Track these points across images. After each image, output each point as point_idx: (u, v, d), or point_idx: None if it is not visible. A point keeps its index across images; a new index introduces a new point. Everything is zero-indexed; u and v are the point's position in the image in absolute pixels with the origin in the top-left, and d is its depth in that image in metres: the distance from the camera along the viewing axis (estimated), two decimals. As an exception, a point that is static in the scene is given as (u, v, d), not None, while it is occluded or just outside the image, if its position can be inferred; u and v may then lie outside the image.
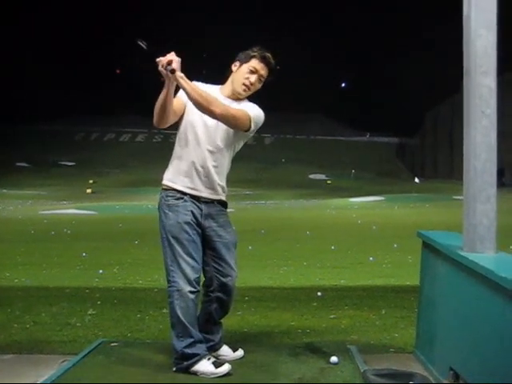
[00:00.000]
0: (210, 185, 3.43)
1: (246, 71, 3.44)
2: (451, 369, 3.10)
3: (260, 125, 3.48)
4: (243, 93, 3.46)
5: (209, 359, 3.33)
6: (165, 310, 5.25)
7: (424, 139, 65.62)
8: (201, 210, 3.41)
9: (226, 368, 3.30)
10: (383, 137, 72.44)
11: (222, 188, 3.50)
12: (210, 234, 3.45)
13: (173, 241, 3.35)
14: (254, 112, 3.42)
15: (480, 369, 2.79)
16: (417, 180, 49.61)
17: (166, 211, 3.39)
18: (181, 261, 3.33)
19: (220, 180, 3.47)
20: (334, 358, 3.52)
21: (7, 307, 5.42)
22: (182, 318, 3.30)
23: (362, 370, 3.35)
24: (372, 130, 71.78)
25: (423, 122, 65.59)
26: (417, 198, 36.35)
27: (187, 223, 3.35)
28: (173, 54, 3.17)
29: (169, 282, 3.38)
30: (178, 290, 3.31)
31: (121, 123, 75.50)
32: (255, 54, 3.46)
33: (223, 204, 3.54)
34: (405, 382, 3.08)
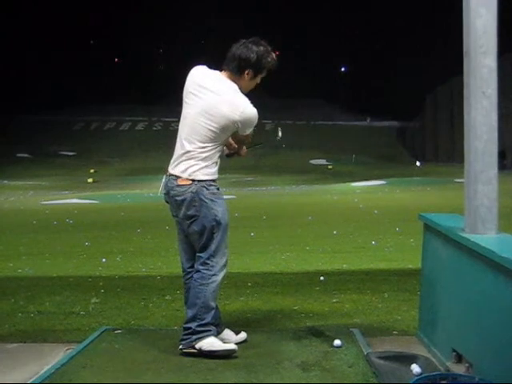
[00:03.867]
0: None
1: (258, 81, 3.62)
2: (454, 350, 3.12)
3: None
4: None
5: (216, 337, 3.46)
6: (168, 297, 5.28)
7: (424, 122, 65.32)
8: None
9: (233, 346, 3.43)
10: (384, 121, 72.12)
11: None
12: None
13: (226, 227, 3.54)
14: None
15: (483, 349, 2.80)
16: (418, 163, 49.49)
17: (214, 199, 3.51)
18: (223, 246, 3.53)
19: None
20: (337, 342, 3.55)
21: (11, 297, 5.46)
22: (211, 303, 3.46)
23: (365, 353, 3.37)
24: (372, 114, 71.42)
25: (423, 105, 65.27)
26: (418, 181, 36.25)
27: (227, 210, 3.60)
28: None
29: (206, 264, 3.48)
30: (214, 275, 3.48)
31: (121, 112, 75.19)
32: (270, 64, 3.58)
33: None
34: (408, 364, 3.10)
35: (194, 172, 3.50)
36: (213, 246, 3.48)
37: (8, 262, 8.69)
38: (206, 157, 3.50)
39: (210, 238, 3.48)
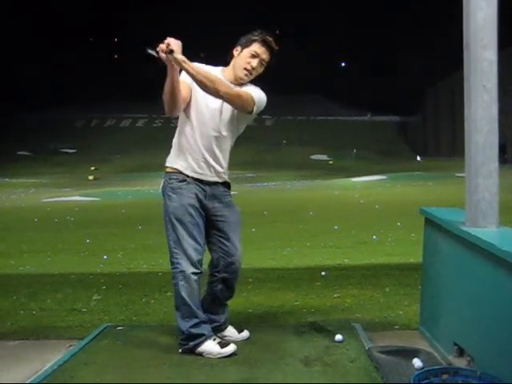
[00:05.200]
0: (215, 168, 3.47)
1: (248, 56, 3.42)
2: (455, 344, 3.12)
3: (262, 107, 3.48)
4: (245, 77, 3.45)
5: (214, 340, 3.38)
6: (169, 294, 5.28)
7: (425, 117, 65.25)
8: (205, 191, 3.45)
9: (231, 348, 3.33)
10: (384, 116, 72.04)
11: (226, 171, 3.56)
12: (215, 214, 3.49)
13: (176, 223, 3.38)
14: (257, 94, 3.43)
15: (484, 343, 2.80)
16: (419, 158, 49.52)
17: (170, 194, 3.42)
18: (184, 243, 3.36)
19: (224, 163, 3.52)
20: (338, 336, 3.54)
21: (13, 294, 5.46)
22: (187, 299, 3.35)
23: (366, 348, 3.37)
24: (373, 109, 71.35)
25: (424, 100, 65.16)
26: (419, 176, 36.27)
27: (191, 205, 3.39)
28: (171, 39, 3.12)
29: (172, 263, 3.41)
30: (181, 271, 3.36)
31: (121, 109, 75.20)
32: (256, 38, 3.42)
33: (227, 185, 3.59)
34: (410, 358, 3.10)
35: (167, 157, 3.54)
36: (170, 243, 3.42)
37: (10, 260, 8.71)
38: (175, 141, 3.51)
39: (167, 235, 3.45)
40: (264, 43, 3.41)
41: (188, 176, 3.42)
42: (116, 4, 76.32)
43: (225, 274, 3.55)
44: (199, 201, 3.43)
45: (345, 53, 79.69)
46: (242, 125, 3.55)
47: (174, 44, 3.09)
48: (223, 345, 3.35)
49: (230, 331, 3.66)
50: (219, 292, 3.58)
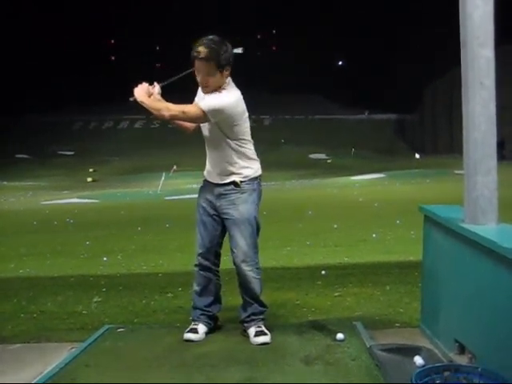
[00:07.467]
0: (218, 172, 3.71)
1: (196, 74, 3.62)
2: (457, 341, 3.12)
3: (221, 113, 3.54)
4: (207, 91, 3.61)
5: (195, 324, 3.74)
6: (170, 295, 5.30)
7: (423, 115, 65.16)
8: (214, 191, 3.73)
9: (189, 336, 3.64)
10: (382, 114, 71.95)
11: (232, 172, 3.69)
12: (222, 211, 3.73)
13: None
14: (209, 103, 3.52)
15: (485, 340, 2.80)
16: (417, 156, 49.45)
17: None
18: (196, 236, 3.81)
19: (229, 165, 3.69)
20: (339, 335, 3.55)
21: (13, 298, 5.46)
22: (195, 286, 3.82)
23: (368, 346, 3.38)
24: (371, 107, 71.24)
25: (422, 98, 65.12)
26: (418, 173, 36.16)
27: (199, 205, 3.80)
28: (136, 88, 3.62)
29: None
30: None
31: (119, 111, 75.01)
32: (191, 57, 3.58)
33: (235, 184, 3.71)
34: (411, 356, 3.10)
35: None
36: None
37: (9, 263, 8.69)
38: None
39: None
40: (196, 59, 3.55)
41: (205, 180, 3.83)
42: (115, 5, 76.11)
43: (236, 268, 3.74)
44: (209, 200, 3.75)
45: (343, 52, 79.64)
46: (226, 129, 3.61)
47: (136, 92, 3.59)
48: (193, 331, 3.68)
49: (250, 331, 3.67)
50: (239, 285, 3.78)
